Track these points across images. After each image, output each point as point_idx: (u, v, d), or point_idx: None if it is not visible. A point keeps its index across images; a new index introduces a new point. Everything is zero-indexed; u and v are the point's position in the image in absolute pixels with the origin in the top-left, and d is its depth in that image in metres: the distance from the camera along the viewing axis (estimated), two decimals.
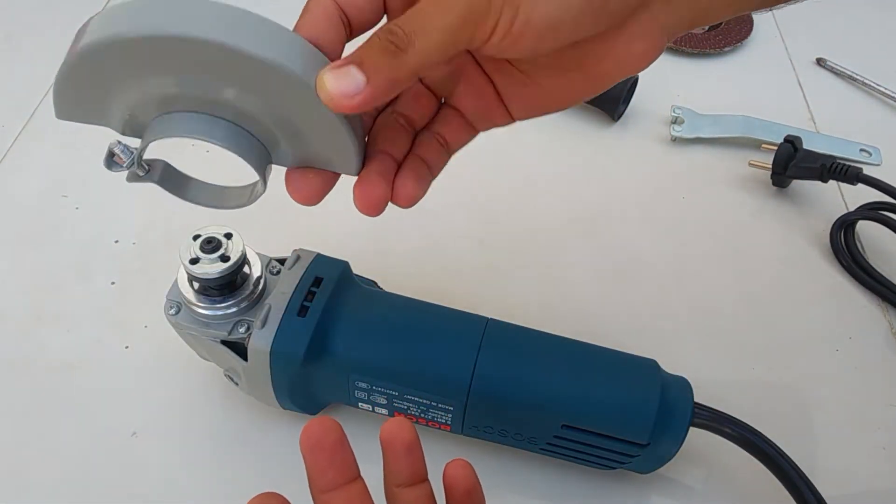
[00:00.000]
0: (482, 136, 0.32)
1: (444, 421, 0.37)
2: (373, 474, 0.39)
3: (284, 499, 0.26)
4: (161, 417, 0.41)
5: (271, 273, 0.37)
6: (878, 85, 0.62)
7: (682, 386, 0.37)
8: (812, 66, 0.65)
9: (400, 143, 0.29)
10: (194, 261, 0.33)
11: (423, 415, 0.36)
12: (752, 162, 0.55)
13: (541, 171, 0.56)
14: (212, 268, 0.33)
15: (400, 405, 0.36)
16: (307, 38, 0.24)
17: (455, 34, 0.23)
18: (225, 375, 0.39)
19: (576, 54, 0.26)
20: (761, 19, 0.68)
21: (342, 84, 0.22)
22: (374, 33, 0.23)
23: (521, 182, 0.55)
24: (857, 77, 0.63)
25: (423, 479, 0.27)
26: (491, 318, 0.37)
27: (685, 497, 0.39)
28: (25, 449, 0.40)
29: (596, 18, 0.24)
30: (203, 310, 0.35)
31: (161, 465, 0.40)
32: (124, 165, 0.28)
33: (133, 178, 0.28)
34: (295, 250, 0.38)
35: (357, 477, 0.27)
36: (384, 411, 0.37)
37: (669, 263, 0.50)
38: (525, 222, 0.52)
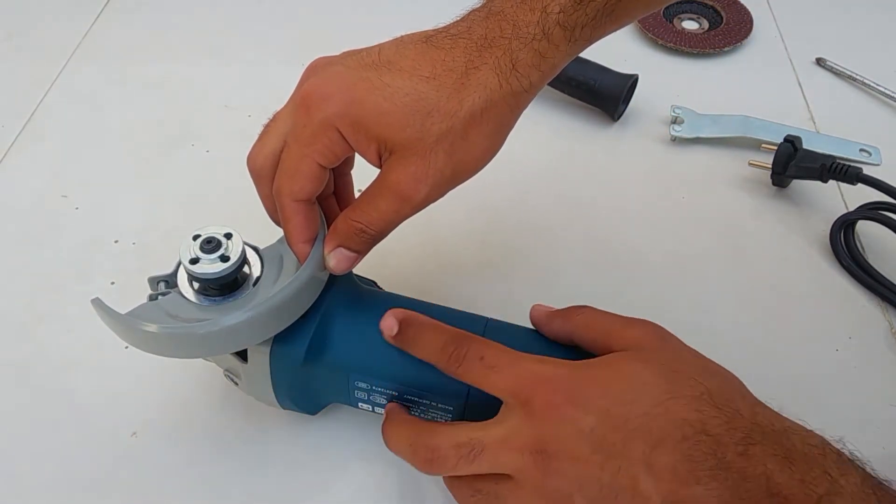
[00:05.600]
0: None
1: (444, 420, 0.37)
2: (373, 473, 0.39)
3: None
4: (161, 417, 0.41)
5: None
6: (878, 85, 0.62)
7: None
8: (812, 66, 0.65)
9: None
10: (194, 261, 0.33)
11: (423, 415, 0.36)
12: (752, 162, 0.55)
13: (541, 171, 0.56)
14: (212, 268, 0.33)
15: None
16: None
17: (397, 216, 0.33)
18: (225, 375, 0.39)
19: None
20: (761, 19, 0.68)
21: (343, 261, 0.34)
22: (346, 227, 0.34)
23: (521, 182, 0.55)
24: (857, 77, 0.63)
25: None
26: (491, 318, 0.37)
27: None
28: (26, 449, 0.40)
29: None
30: None
31: (161, 465, 0.40)
32: None
33: None
34: None
35: None
36: (384, 411, 0.37)
37: (669, 263, 0.50)
38: (525, 222, 0.52)
